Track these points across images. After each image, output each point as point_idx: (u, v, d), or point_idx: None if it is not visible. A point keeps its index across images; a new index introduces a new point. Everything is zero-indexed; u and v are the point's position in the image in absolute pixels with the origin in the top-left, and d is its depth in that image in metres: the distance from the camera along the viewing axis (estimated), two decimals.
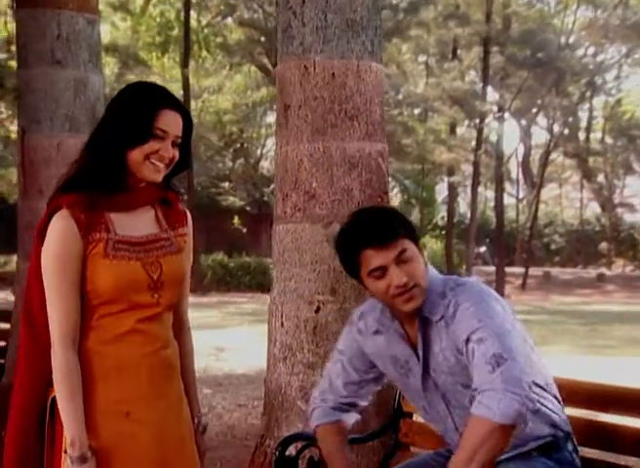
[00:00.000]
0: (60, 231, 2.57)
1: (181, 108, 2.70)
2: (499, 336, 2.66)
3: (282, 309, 4.60)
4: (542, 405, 2.93)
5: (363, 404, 3.19)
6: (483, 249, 46.45)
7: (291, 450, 3.62)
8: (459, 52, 34.62)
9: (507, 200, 48.92)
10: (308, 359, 4.52)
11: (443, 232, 39.92)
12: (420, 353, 2.89)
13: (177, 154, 2.69)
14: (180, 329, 2.85)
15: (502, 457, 2.88)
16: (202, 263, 30.42)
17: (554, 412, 2.97)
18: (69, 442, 2.52)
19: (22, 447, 2.69)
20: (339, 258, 2.88)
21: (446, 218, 37.89)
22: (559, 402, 3.04)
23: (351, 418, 3.16)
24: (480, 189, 49.65)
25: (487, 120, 34.23)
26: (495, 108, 34.28)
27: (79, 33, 6.33)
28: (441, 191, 48.32)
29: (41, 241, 2.61)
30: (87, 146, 2.68)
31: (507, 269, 35.99)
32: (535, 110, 40.30)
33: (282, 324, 4.60)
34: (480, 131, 31.87)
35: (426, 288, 2.80)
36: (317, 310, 4.52)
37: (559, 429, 2.98)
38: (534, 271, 37.03)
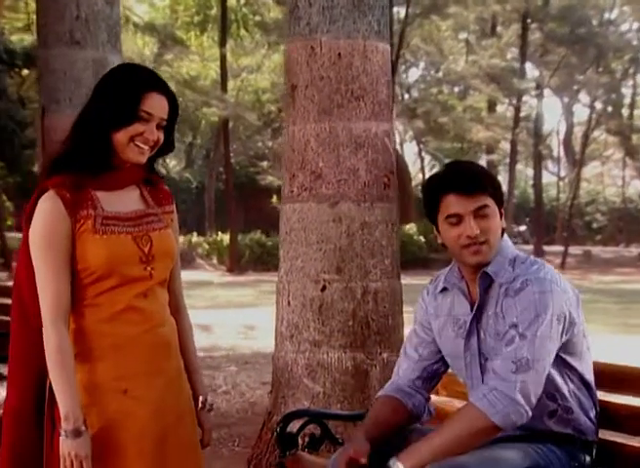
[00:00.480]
0: (46, 211, 2.61)
1: (168, 91, 2.73)
2: (537, 342, 2.74)
3: (289, 288, 4.65)
4: (577, 402, 2.95)
5: (432, 375, 3.13)
6: (523, 227, 46.10)
7: (292, 427, 3.67)
8: (498, 29, 34.29)
9: (549, 178, 48.57)
10: (314, 337, 4.57)
11: None
12: (474, 310, 2.91)
13: (161, 137, 2.72)
14: (177, 308, 2.88)
15: (512, 434, 2.90)
16: (240, 242, 30.59)
17: (585, 415, 2.98)
18: (63, 416, 2.56)
19: (19, 428, 2.73)
20: (422, 201, 2.94)
21: None
22: (595, 404, 3.04)
23: (411, 401, 3.09)
24: (521, 167, 49.31)
25: (526, 98, 33.94)
26: (533, 85, 33.95)
27: (98, 14, 6.41)
28: None
29: (29, 224, 2.65)
30: (73, 128, 2.71)
31: (547, 248, 35.78)
32: (576, 87, 39.81)
33: (289, 302, 4.64)
34: (517, 109, 31.58)
35: (496, 248, 2.86)
36: (323, 289, 4.56)
37: (582, 434, 2.98)
38: (574, 250, 36.71)
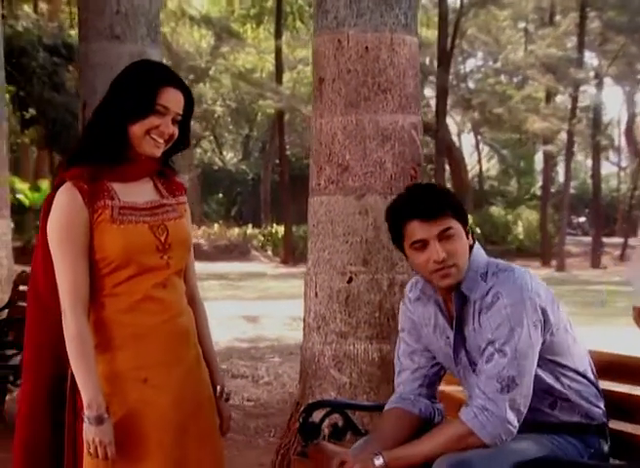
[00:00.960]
0: (64, 202, 2.68)
1: (184, 87, 2.79)
2: (518, 358, 2.80)
3: (316, 280, 4.69)
4: (576, 393, 2.99)
5: (433, 380, 3.18)
6: (582, 219, 45.56)
7: (317, 418, 3.71)
8: (557, 18, 33.85)
9: (610, 169, 47.87)
10: (341, 328, 4.61)
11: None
12: (454, 327, 2.97)
13: (176, 131, 2.78)
14: (192, 298, 2.93)
15: (527, 427, 2.94)
16: (294, 234, 30.71)
17: (587, 401, 3.01)
18: (86, 404, 2.62)
19: (33, 414, 2.80)
20: (387, 226, 3.00)
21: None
22: (597, 389, 3.07)
23: (417, 407, 3.14)
24: (581, 158, 48.67)
25: (586, 87, 33.46)
26: (592, 75, 33.47)
27: (138, 8, 6.51)
28: (540, 160, 47.52)
29: (47, 216, 2.72)
30: (90, 122, 2.80)
31: (607, 239, 35.26)
32: (639, 76, 39.12)
33: (316, 294, 4.69)
34: (575, 98, 31.17)
35: (465, 267, 2.89)
36: (349, 281, 4.60)
37: (591, 419, 3.02)
38: (634, 242, 36.06)
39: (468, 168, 39.18)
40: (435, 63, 30.91)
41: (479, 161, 44.94)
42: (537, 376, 2.89)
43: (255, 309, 13.20)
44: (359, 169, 4.60)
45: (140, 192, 2.80)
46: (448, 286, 2.91)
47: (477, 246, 3.00)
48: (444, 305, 3.02)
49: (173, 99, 2.74)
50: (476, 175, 44.31)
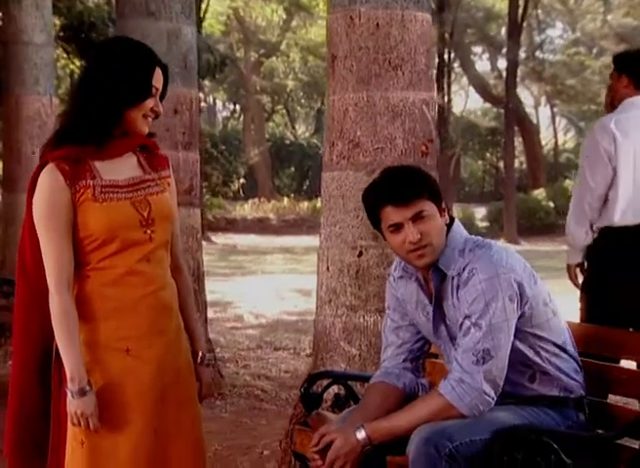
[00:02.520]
0: (46, 183, 2.79)
1: (162, 63, 2.89)
2: (493, 331, 2.89)
3: (327, 254, 4.78)
4: (555, 366, 3.06)
5: (418, 355, 3.29)
6: None
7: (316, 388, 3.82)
8: None
9: None
10: (351, 302, 4.69)
11: None
12: (433, 303, 3.08)
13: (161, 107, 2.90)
14: (176, 268, 3.04)
15: (507, 400, 3.02)
16: None
17: (566, 375, 3.09)
18: (69, 377, 2.76)
19: (23, 386, 2.95)
20: (365, 210, 3.12)
21: None
22: (577, 362, 3.14)
23: (401, 382, 3.24)
24: None
25: None
26: None
27: None
28: None
29: (32, 196, 2.84)
30: (76, 102, 2.86)
31: None
32: None
33: (327, 268, 4.78)
34: None
35: (440, 246, 2.99)
36: (360, 255, 4.68)
37: (569, 392, 3.09)
38: None
39: (546, 140, 38.58)
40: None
41: (554, 134, 44.22)
42: (516, 350, 2.97)
43: (309, 283, 13.29)
44: (370, 145, 4.66)
45: (122, 169, 2.89)
46: (424, 265, 3.02)
47: (456, 223, 3.10)
48: (424, 282, 3.12)
49: (159, 78, 2.86)
50: (552, 149, 43.62)
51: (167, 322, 2.92)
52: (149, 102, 2.83)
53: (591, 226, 4.62)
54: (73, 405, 2.76)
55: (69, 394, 2.76)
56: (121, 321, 2.83)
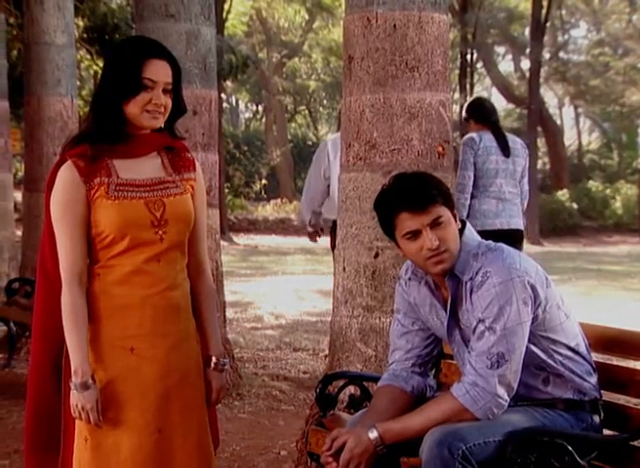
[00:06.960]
0: (62, 180, 2.85)
1: (167, 55, 2.86)
2: (507, 335, 2.88)
3: (344, 254, 4.79)
4: (568, 369, 3.06)
5: (427, 360, 3.30)
6: None
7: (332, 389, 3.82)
8: None
9: None
10: (367, 302, 4.70)
11: None
12: (448, 308, 3.07)
13: (169, 101, 2.86)
14: (197, 271, 3.04)
15: (520, 403, 3.03)
16: None
17: (580, 377, 3.08)
18: (73, 371, 2.81)
19: (40, 380, 2.98)
20: (377, 218, 3.08)
21: None
22: (590, 364, 3.13)
23: (409, 385, 3.24)
24: None
25: None
26: None
27: None
28: None
29: (50, 193, 2.89)
30: (91, 102, 2.95)
31: None
32: None
33: (344, 268, 4.79)
34: None
35: (456, 252, 2.98)
36: (376, 256, 4.68)
37: (583, 395, 3.09)
38: None
39: (569, 141, 38.39)
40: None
41: (578, 134, 43.97)
42: (530, 353, 2.96)
43: (331, 284, 13.32)
44: (386, 146, 4.66)
45: (144, 168, 2.91)
46: (442, 271, 3.00)
47: (468, 227, 3.09)
48: (434, 286, 3.11)
49: (159, 71, 2.82)
50: (576, 149, 43.39)
51: (173, 323, 2.92)
52: (144, 96, 2.80)
53: None
54: (75, 397, 2.79)
55: (72, 387, 2.80)
56: (126, 319, 2.86)
